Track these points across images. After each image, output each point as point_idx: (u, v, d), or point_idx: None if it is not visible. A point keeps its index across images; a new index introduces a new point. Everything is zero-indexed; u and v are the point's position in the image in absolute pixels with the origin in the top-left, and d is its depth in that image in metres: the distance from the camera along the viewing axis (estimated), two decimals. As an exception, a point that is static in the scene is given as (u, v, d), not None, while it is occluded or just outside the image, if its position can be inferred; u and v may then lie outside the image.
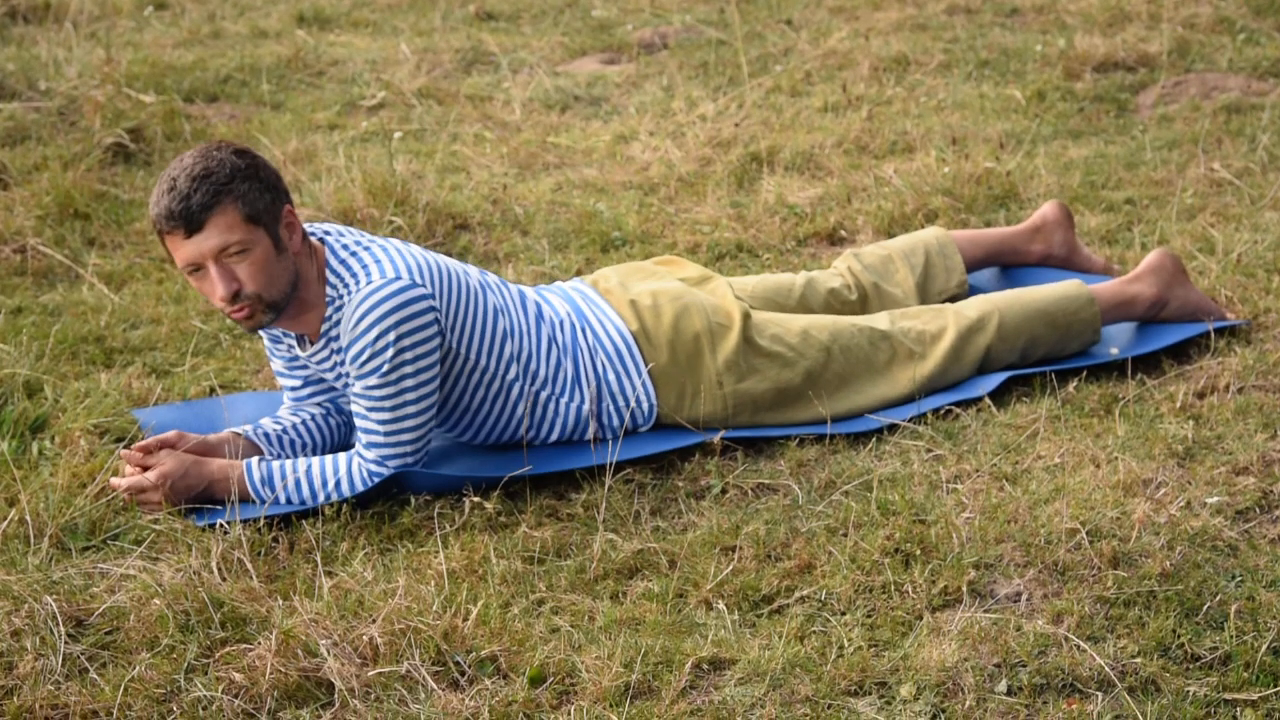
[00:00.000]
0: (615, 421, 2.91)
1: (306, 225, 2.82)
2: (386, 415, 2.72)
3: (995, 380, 3.05)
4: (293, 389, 2.97)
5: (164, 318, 3.56)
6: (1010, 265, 3.47)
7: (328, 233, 2.81)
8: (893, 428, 2.92)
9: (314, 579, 2.49)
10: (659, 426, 2.95)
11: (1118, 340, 3.18)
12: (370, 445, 2.75)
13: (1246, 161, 4.10)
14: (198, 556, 2.53)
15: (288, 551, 2.61)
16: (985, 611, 2.34)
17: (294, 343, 2.86)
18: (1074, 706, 2.14)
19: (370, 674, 2.24)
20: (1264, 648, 2.20)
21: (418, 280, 2.70)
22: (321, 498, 2.73)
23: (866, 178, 4.21)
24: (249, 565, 2.51)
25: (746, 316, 2.97)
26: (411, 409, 2.72)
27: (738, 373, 2.93)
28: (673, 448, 2.85)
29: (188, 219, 2.59)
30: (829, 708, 2.16)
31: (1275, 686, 2.15)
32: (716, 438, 2.87)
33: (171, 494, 2.70)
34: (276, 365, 2.96)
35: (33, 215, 4.05)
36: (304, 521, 2.69)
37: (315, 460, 2.76)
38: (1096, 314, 3.12)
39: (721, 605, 2.40)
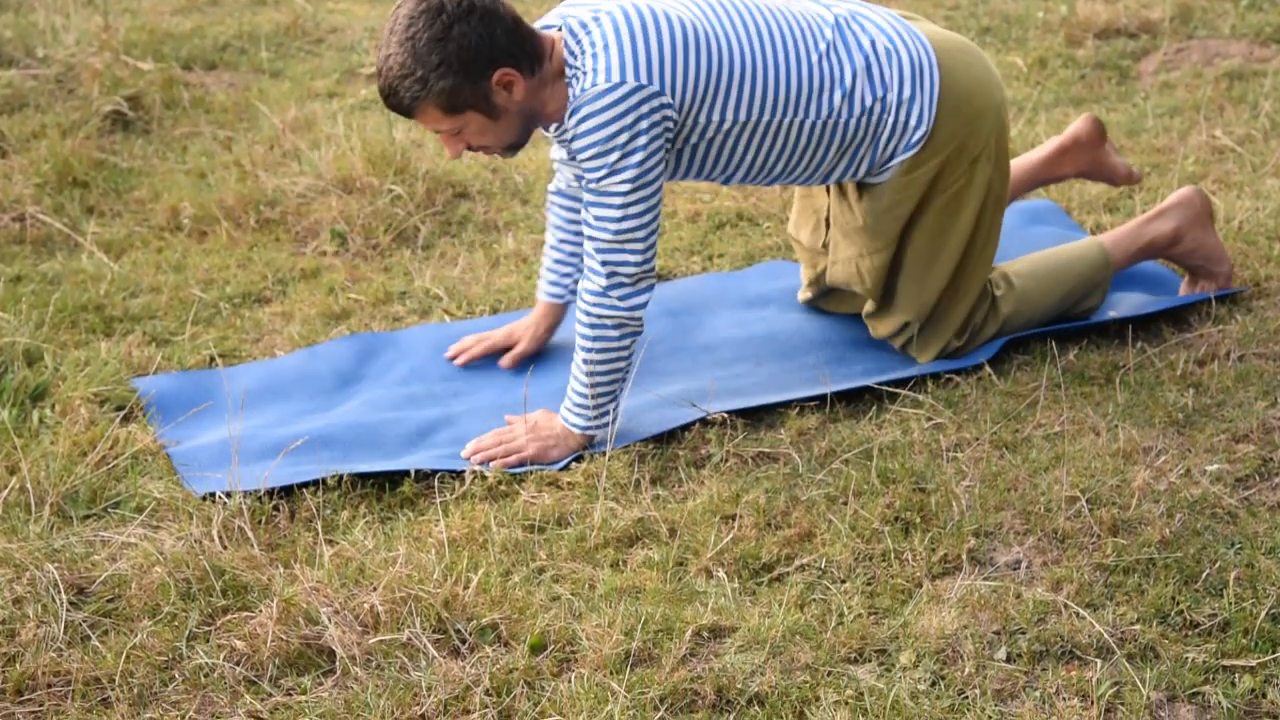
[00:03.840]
0: (886, 134, 2.83)
1: (542, 21, 2.76)
2: (616, 213, 2.68)
3: (994, 347, 3.05)
4: (560, 164, 3.05)
5: (163, 286, 3.56)
6: (1048, 183, 3.47)
7: (564, 18, 2.74)
8: (893, 396, 2.92)
9: (315, 547, 2.50)
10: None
11: (1118, 304, 3.18)
12: (599, 250, 2.71)
13: (1248, 128, 4.09)
14: (199, 525, 2.54)
15: (288, 520, 2.61)
16: (985, 579, 2.34)
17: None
18: (1073, 673, 2.14)
19: (371, 641, 2.25)
20: (1262, 614, 2.20)
21: (642, 80, 2.64)
22: (622, 366, 2.77)
23: (867, 145, 4.20)
24: (250, 534, 2.51)
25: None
26: (638, 207, 2.69)
27: (990, 174, 2.92)
28: (675, 426, 2.85)
29: (399, 111, 2.68)
30: (829, 675, 2.16)
31: (1274, 652, 2.15)
32: (718, 412, 2.87)
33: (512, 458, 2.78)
34: (554, 153, 3.05)
35: (31, 183, 4.04)
36: (305, 490, 2.69)
37: (579, 362, 2.78)
38: (1109, 278, 3.13)
39: (721, 573, 2.41)
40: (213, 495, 2.65)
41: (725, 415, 2.87)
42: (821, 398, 2.92)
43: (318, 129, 4.48)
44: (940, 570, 2.39)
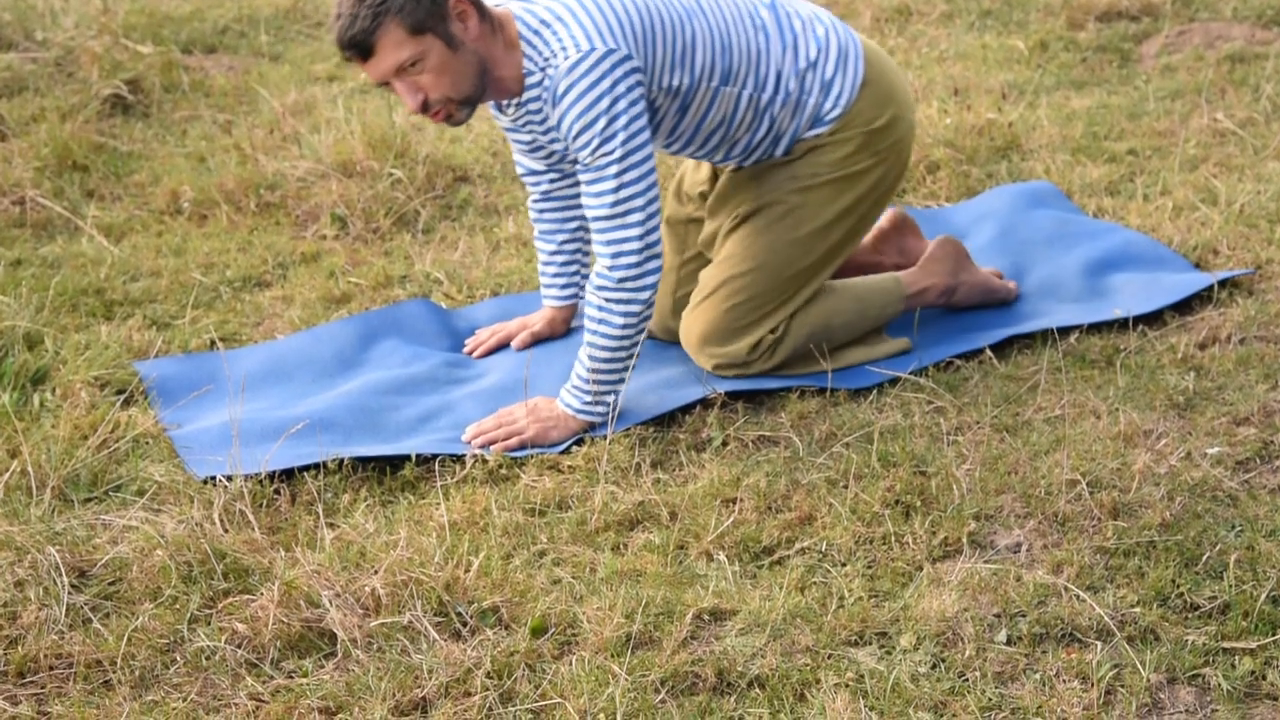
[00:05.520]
0: (808, 112, 2.89)
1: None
2: (612, 184, 2.70)
3: (997, 334, 3.05)
4: (533, 175, 3.07)
5: (163, 270, 3.56)
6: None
7: (513, 13, 2.75)
8: (894, 380, 2.92)
9: (316, 530, 2.50)
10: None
11: (1119, 300, 3.16)
12: (600, 229, 2.73)
13: (1250, 111, 4.08)
14: (200, 508, 2.54)
15: (289, 503, 2.61)
16: (985, 562, 2.35)
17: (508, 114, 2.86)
18: (1073, 655, 2.15)
19: (372, 624, 2.25)
20: (1263, 597, 2.20)
21: (609, 44, 2.67)
22: (623, 355, 2.78)
23: (868, 129, 4.19)
24: (251, 517, 2.52)
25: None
26: (633, 174, 2.70)
27: (883, 174, 2.96)
28: (675, 406, 2.85)
29: (358, 47, 2.62)
30: (829, 658, 2.17)
31: (1273, 635, 2.15)
32: (718, 391, 2.87)
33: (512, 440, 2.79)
34: (516, 151, 3.05)
35: (31, 167, 4.04)
36: (305, 473, 2.69)
37: (584, 345, 2.80)
38: (901, 298, 3.05)
39: (722, 556, 2.41)
40: (214, 478, 2.65)
41: (724, 397, 2.87)
42: (821, 378, 2.92)
43: (318, 113, 4.48)
44: (940, 553, 2.39)
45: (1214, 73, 4.40)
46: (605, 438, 2.74)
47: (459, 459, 2.73)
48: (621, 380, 2.81)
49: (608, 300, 2.74)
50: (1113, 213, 3.59)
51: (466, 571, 2.36)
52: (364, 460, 2.72)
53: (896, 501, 2.50)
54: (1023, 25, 5.01)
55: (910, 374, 2.92)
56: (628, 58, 2.67)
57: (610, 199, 2.70)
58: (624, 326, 2.76)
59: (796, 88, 2.87)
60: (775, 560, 2.41)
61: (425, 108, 2.69)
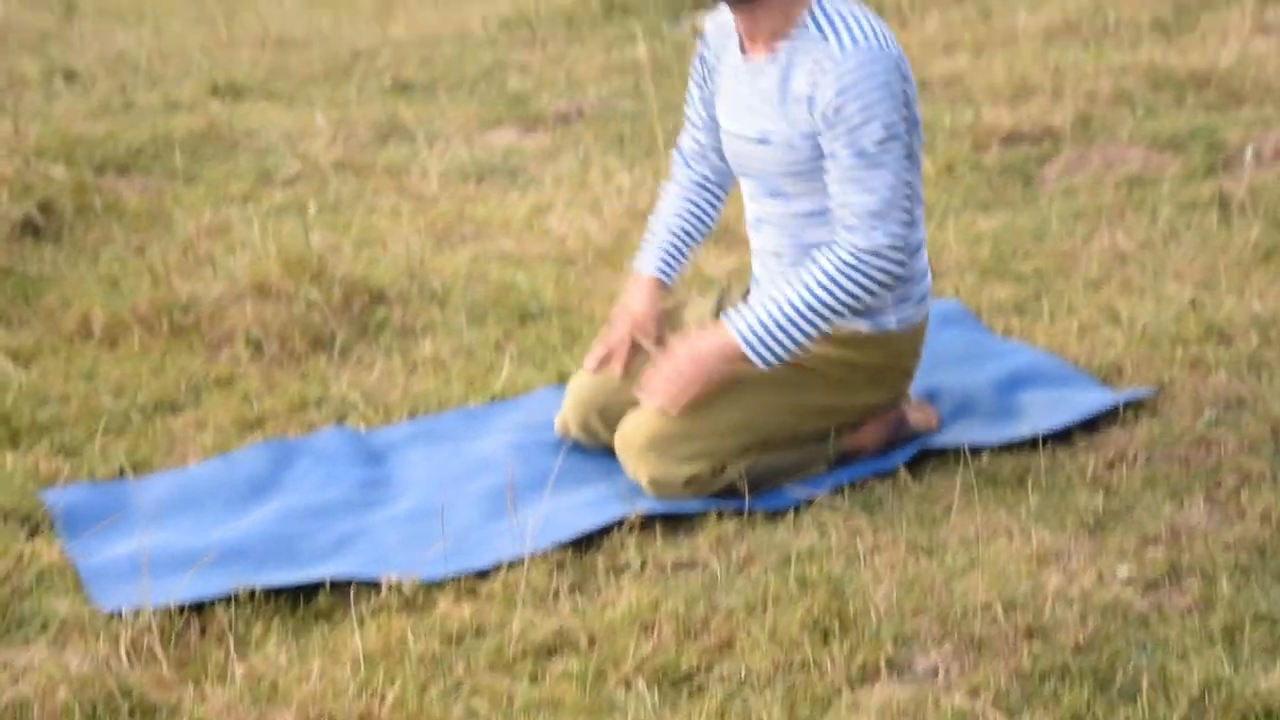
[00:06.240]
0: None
1: None
2: (890, 178, 2.75)
3: (909, 449, 3.08)
4: (696, 144, 3.10)
5: (73, 395, 3.50)
6: None
7: None
8: (809, 500, 2.93)
9: (226, 664, 2.45)
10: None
11: (1029, 418, 3.20)
12: (870, 224, 2.78)
13: (1148, 233, 4.20)
14: (106, 643, 2.48)
15: (199, 636, 2.56)
16: (903, 684, 2.35)
17: (737, 55, 2.92)
18: (992, 781, 2.14)
19: (285, 762, 2.20)
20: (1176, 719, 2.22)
21: (904, 62, 2.79)
22: (811, 323, 2.83)
23: (781, 249, 4.25)
24: (159, 651, 2.46)
25: None
26: (907, 174, 2.78)
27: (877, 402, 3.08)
28: (597, 526, 2.84)
29: None
30: (749, 787, 2.15)
31: (1188, 757, 2.17)
32: (635, 513, 2.87)
33: (684, 393, 2.88)
34: (693, 110, 3.08)
35: (-62, 290, 3.98)
36: (216, 605, 2.64)
37: (791, 285, 2.82)
38: (833, 457, 3.05)
39: (641, 684, 2.39)
40: (121, 611, 2.59)
41: (642, 519, 2.86)
42: (740, 500, 2.92)
43: (233, 234, 4.47)
44: (859, 678, 2.39)
45: (1113, 195, 4.53)
46: (523, 563, 2.72)
47: (374, 586, 2.70)
48: (795, 345, 2.84)
49: (842, 270, 2.80)
50: (1021, 332, 3.66)
51: (381, 704, 2.32)
52: (277, 590, 2.68)
53: (815, 624, 2.50)
54: (930, 148, 5.13)
55: (826, 494, 2.94)
56: (908, 78, 2.79)
57: (887, 194, 2.76)
58: (838, 297, 2.81)
59: (907, 270, 2.93)
60: (695, 688, 2.39)
61: None
